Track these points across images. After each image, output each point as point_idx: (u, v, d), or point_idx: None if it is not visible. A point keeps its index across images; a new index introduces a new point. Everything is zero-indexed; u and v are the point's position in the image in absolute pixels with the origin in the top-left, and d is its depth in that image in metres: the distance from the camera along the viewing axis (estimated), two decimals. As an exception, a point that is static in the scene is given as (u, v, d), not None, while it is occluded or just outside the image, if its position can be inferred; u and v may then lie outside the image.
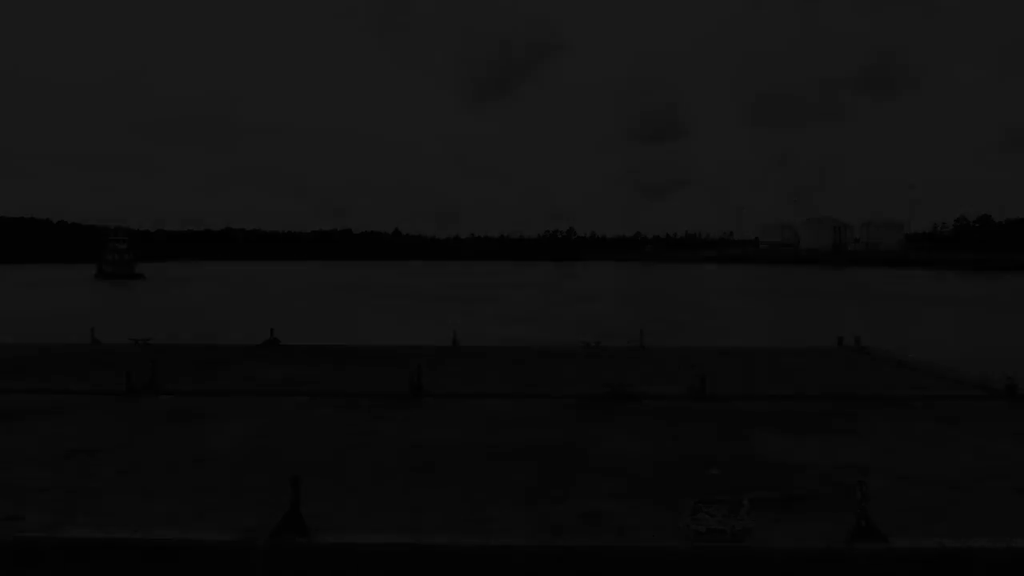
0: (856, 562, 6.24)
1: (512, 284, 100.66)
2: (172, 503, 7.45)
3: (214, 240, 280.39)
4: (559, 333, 36.20)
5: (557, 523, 6.88)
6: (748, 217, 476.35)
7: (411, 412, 12.00)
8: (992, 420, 11.42)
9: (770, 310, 59.83)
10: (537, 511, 7.20)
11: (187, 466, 8.84)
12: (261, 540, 6.47)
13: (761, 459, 9.23)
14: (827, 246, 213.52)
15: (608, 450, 9.61)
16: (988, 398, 13.12)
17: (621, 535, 6.61)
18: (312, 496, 7.29)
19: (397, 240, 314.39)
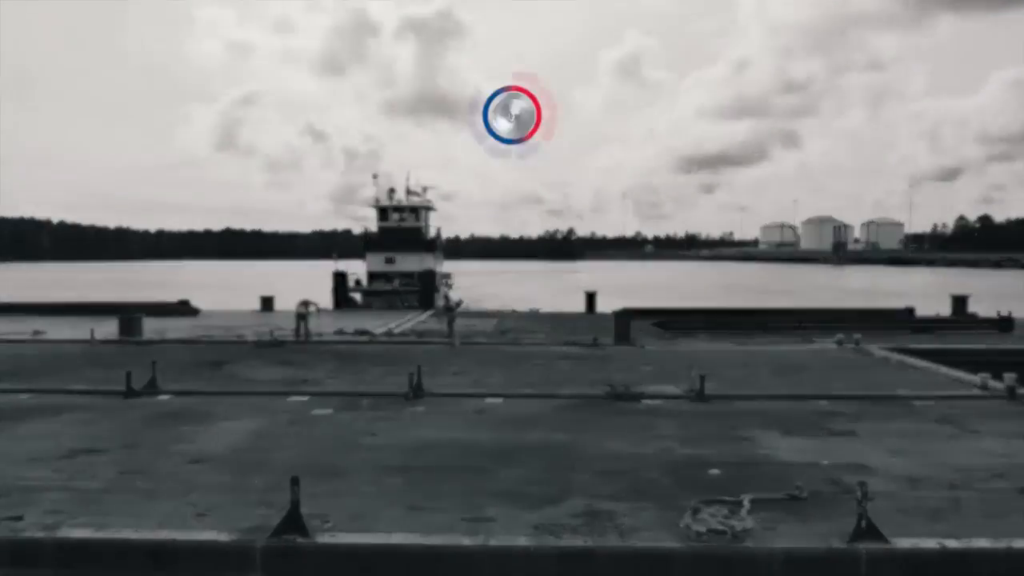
0: (856, 562, 6.25)
1: (512, 283, 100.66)
2: (172, 503, 7.45)
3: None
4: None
5: (557, 523, 6.88)
6: (749, 217, 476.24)
7: (411, 412, 12.00)
8: (992, 420, 11.42)
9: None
10: (537, 511, 7.20)
11: (187, 466, 8.85)
12: (261, 540, 6.48)
13: (761, 459, 9.24)
14: (827, 246, 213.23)
15: (608, 450, 9.61)
16: (988, 398, 13.13)
17: (621, 535, 6.61)
18: (312, 496, 7.29)
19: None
